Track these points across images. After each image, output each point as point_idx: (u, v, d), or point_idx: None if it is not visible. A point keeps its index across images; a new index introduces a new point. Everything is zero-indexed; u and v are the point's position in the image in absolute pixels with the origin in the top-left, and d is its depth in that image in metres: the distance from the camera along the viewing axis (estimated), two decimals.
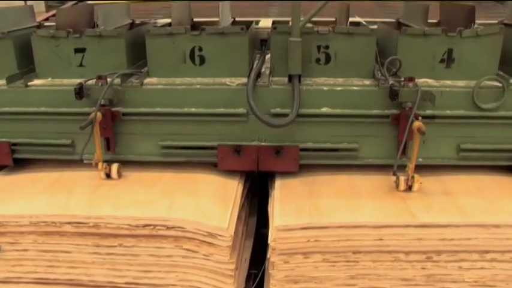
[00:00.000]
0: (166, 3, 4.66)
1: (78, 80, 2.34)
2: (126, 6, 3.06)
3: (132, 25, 3.06)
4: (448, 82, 2.35)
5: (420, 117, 2.16)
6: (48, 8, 5.11)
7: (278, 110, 2.27)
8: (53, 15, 4.39)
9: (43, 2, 5.48)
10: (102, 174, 2.37)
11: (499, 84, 2.28)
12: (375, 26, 2.67)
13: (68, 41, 2.44)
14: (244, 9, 4.08)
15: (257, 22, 3.15)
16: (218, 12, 2.64)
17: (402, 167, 2.21)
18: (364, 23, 3.02)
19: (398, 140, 2.28)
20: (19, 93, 2.42)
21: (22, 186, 2.39)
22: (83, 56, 2.45)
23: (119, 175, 2.39)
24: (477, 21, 2.50)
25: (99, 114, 2.26)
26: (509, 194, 2.24)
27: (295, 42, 2.19)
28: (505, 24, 2.83)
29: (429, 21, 2.75)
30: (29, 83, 2.44)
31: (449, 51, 2.34)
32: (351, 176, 2.39)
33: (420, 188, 2.22)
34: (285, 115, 2.21)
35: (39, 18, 4.22)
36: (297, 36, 2.19)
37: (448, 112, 2.30)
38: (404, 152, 2.24)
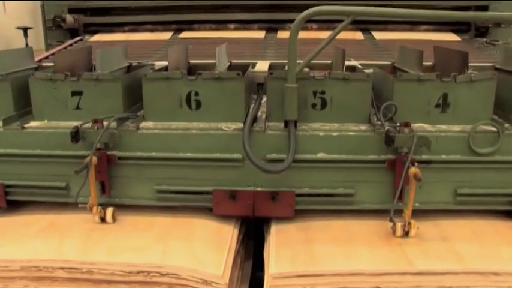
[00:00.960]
0: (163, 42, 4.74)
1: (75, 123, 2.34)
2: (124, 48, 3.09)
3: (129, 68, 3.09)
4: (444, 127, 2.36)
5: (416, 163, 2.17)
6: (47, 47, 5.16)
7: (274, 156, 2.27)
8: (52, 54, 4.44)
9: (43, 41, 5.53)
10: (97, 218, 2.35)
11: (494, 129, 2.29)
12: (371, 70, 2.70)
13: (65, 83, 2.45)
14: (242, 49, 4.14)
15: (254, 65, 3.18)
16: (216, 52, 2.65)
17: (399, 211, 2.20)
18: (359, 66, 3.06)
19: (394, 185, 2.27)
20: (15, 135, 2.42)
21: (14, 228, 2.36)
22: (80, 98, 2.46)
23: (114, 219, 2.37)
24: (470, 64, 2.53)
25: (94, 158, 2.25)
26: (507, 240, 2.22)
27: (291, 89, 2.21)
28: (497, 69, 2.88)
29: (424, 63, 2.78)
30: (25, 125, 2.44)
31: (444, 96, 2.36)
32: (347, 221, 2.37)
33: (417, 233, 2.20)
34: (281, 160, 2.20)
35: (38, 58, 4.27)
36: (293, 82, 2.20)
37: (444, 157, 2.30)
38: (400, 197, 2.23)
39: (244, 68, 2.59)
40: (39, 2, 6.26)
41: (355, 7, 2.20)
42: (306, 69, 2.45)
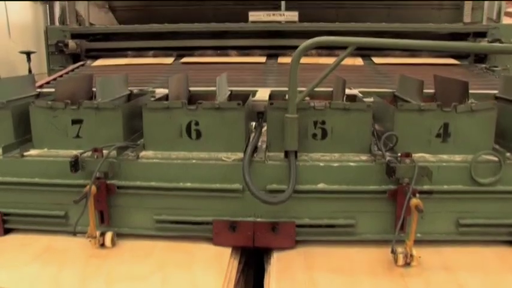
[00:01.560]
0: (165, 67, 4.77)
1: (74, 151, 2.34)
2: (125, 76, 3.10)
3: (130, 95, 3.10)
4: (445, 157, 2.36)
5: (417, 193, 2.15)
6: (50, 72, 5.20)
7: (274, 186, 2.25)
8: (54, 79, 4.46)
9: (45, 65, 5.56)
10: (96, 245, 2.32)
11: (496, 159, 2.28)
12: (371, 99, 2.70)
13: (65, 112, 2.46)
14: (243, 75, 4.16)
15: (254, 93, 3.19)
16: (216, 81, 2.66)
17: (401, 241, 2.17)
18: (360, 95, 3.07)
19: (396, 216, 2.25)
20: (14, 164, 2.41)
21: (10, 251, 2.32)
22: (80, 127, 2.46)
23: (113, 243, 2.34)
24: (470, 91, 2.54)
25: (93, 187, 2.24)
26: None
27: (292, 119, 2.21)
28: (497, 98, 2.88)
29: (424, 90, 2.79)
30: (25, 153, 2.44)
31: (445, 126, 2.36)
32: (349, 249, 2.34)
33: (419, 262, 2.17)
34: (281, 191, 2.19)
35: (40, 82, 4.30)
36: (293, 112, 2.20)
37: (446, 187, 2.29)
38: (402, 227, 2.20)
39: (244, 97, 2.60)
40: (42, 26, 6.34)
41: (356, 38, 2.21)
42: (307, 98, 2.45)
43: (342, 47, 2.24)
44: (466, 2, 5.94)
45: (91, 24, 5.60)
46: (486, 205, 2.31)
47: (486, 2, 5.71)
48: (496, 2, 5.77)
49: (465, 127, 2.36)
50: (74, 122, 2.46)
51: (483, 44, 4.82)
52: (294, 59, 2.17)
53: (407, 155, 2.19)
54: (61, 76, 4.68)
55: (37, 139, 2.52)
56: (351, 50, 2.16)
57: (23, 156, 2.42)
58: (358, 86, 3.68)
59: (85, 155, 2.30)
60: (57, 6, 7.05)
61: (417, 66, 4.70)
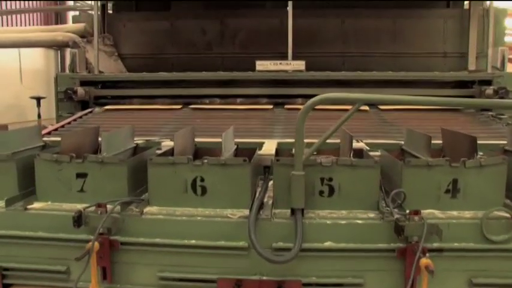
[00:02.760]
0: (173, 115, 4.79)
1: (78, 205, 2.31)
2: (131, 129, 3.11)
3: (136, 148, 3.10)
4: (455, 213, 2.31)
5: (427, 252, 2.09)
6: (58, 119, 5.24)
7: (280, 244, 2.21)
8: (62, 126, 4.49)
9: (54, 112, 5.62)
10: None
11: (508, 215, 2.23)
12: (378, 153, 2.68)
13: (70, 165, 2.45)
14: (250, 125, 4.16)
15: (261, 146, 3.18)
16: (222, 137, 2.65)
17: None
18: (366, 148, 3.04)
19: (405, 275, 2.18)
20: (17, 217, 2.39)
21: None
22: (84, 181, 2.44)
23: None
24: (478, 141, 2.50)
25: (96, 243, 2.20)
26: None
27: (298, 176, 2.18)
28: (506, 151, 2.85)
29: (432, 141, 2.76)
30: (28, 206, 2.41)
31: (454, 182, 2.33)
32: None
33: None
34: (287, 249, 2.14)
35: (47, 130, 4.33)
36: (299, 170, 2.18)
37: (457, 245, 2.23)
38: (412, 287, 2.13)
39: (251, 151, 2.58)
40: (53, 72, 6.47)
41: (362, 94, 2.22)
42: (314, 153, 2.42)
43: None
44: (470, 50, 6.00)
45: (100, 71, 5.67)
46: (499, 263, 2.24)
47: (490, 50, 5.76)
48: (499, 49, 5.82)
49: (475, 182, 2.32)
50: (79, 175, 2.45)
51: (491, 100, 4.81)
52: (301, 116, 2.16)
53: (416, 212, 2.14)
54: (69, 123, 4.71)
55: (41, 192, 2.50)
56: (358, 106, 2.16)
57: (26, 209, 2.39)
58: (365, 135, 3.66)
59: (89, 210, 2.28)
60: (68, 53, 7.19)
61: (423, 112, 4.68)
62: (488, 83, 5.35)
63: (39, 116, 8.22)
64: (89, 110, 5.24)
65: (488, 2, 6.03)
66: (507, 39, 6.47)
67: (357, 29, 6.25)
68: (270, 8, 6.29)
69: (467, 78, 5.58)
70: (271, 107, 5.14)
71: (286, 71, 5.26)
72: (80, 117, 4.97)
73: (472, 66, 5.96)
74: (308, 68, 5.28)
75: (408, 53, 6.19)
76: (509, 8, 7.05)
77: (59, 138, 3.08)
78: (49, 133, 4.27)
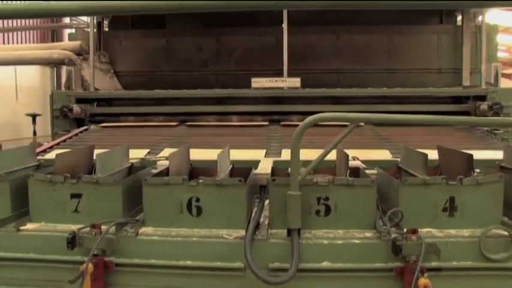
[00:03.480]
0: (167, 133, 4.78)
1: (72, 226, 2.28)
2: (126, 150, 3.09)
3: (131, 168, 3.08)
4: (452, 231, 2.29)
5: (426, 271, 2.06)
6: (53, 136, 5.23)
7: (277, 265, 2.18)
8: (57, 144, 4.47)
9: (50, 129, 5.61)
10: None
11: (506, 233, 2.21)
12: (374, 171, 2.67)
13: (64, 186, 2.43)
14: (245, 142, 4.16)
15: (256, 165, 3.16)
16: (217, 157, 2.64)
17: None
18: (363, 166, 3.04)
19: None
20: (9, 238, 2.35)
21: None
22: (79, 201, 2.42)
23: None
24: (474, 158, 2.50)
25: (90, 265, 2.16)
26: None
27: (294, 196, 2.16)
28: (502, 167, 2.85)
29: (429, 158, 2.75)
30: (21, 227, 2.38)
31: (451, 200, 2.32)
32: None
33: None
34: (284, 270, 2.11)
35: (42, 148, 4.31)
36: (295, 190, 2.17)
37: (455, 263, 2.20)
38: None
39: (246, 171, 2.57)
40: (49, 89, 6.47)
41: (357, 114, 2.21)
42: (311, 172, 2.41)
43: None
44: (464, 66, 6.05)
45: (96, 89, 5.68)
46: (499, 282, 2.22)
47: (483, 66, 5.82)
48: (492, 65, 5.87)
49: (472, 200, 2.31)
50: (73, 196, 2.42)
51: (485, 118, 4.84)
52: (296, 135, 2.15)
53: (414, 231, 2.12)
54: (64, 141, 4.69)
55: (34, 212, 2.47)
56: (353, 127, 2.15)
57: (18, 230, 2.36)
58: (360, 148, 3.66)
59: (83, 231, 2.24)
60: (64, 70, 7.21)
61: (418, 128, 4.69)
62: (482, 98, 5.39)
63: (34, 133, 8.21)
64: (85, 127, 5.23)
65: (480, 19, 6.10)
66: (500, 54, 6.54)
67: (352, 46, 6.30)
68: (265, 25, 6.34)
69: (462, 94, 5.62)
70: (266, 123, 5.14)
71: (281, 88, 5.29)
72: (76, 134, 4.96)
73: (466, 82, 6.02)
74: (303, 84, 5.31)
75: (403, 69, 6.24)
76: (500, 24, 7.13)
77: (53, 157, 3.07)
78: (44, 151, 4.25)
